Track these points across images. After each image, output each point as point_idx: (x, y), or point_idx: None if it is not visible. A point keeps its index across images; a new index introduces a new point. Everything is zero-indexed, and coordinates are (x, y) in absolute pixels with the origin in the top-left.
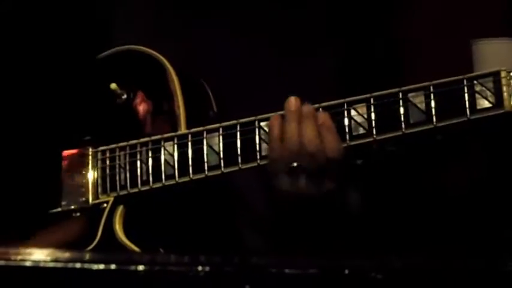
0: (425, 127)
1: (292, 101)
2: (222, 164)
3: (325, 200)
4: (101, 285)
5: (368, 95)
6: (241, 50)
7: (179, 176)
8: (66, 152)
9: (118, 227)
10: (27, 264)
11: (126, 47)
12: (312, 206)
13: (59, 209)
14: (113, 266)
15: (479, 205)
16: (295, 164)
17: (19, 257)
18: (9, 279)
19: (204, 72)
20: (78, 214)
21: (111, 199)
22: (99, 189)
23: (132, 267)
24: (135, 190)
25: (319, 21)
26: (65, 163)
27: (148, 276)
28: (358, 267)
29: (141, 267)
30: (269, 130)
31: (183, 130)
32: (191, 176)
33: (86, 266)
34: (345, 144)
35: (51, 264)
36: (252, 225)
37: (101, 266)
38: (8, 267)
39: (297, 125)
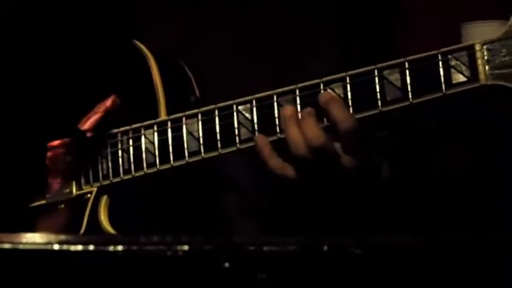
0: (401, 104)
1: (288, 108)
2: (202, 150)
3: (356, 177)
4: (80, 267)
5: (343, 74)
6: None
7: (160, 164)
8: (49, 144)
9: (103, 217)
10: (6, 246)
11: None
12: (342, 187)
13: (44, 201)
14: (91, 247)
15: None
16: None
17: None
18: None
19: (188, 58)
20: (62, 206)
21: (95, 189)
22: (83, 180)
23: (111, 248)
24: (118, 179)
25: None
26: (48, 154)
27: (127, 257)
28: (337, 243)
29: (119, 248)
30: (259, 151)
31: (162, 117)
32: (172, 163)
33: (65, 247)
34: (377, 111)
35: (29, 247)
36: (242, 210)
37: (79, 247)
38: None
39: (297, 128)
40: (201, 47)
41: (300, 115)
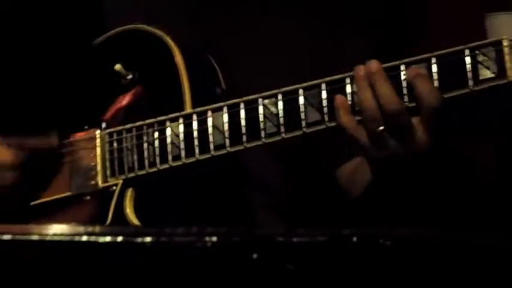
0: None
1: (360, 68)
2: (228, 143)
3: (428, 154)
4: (108, 258)
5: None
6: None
7: (186, 157)
8: (74, 135)
9: (129, 210)
10: (34, 238)
11: (127, 26)
12: (408, 165)
13: (69, 193)
14: (119, 239)
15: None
16: (380, 128)
17: (25, 232)
18: (15, 254)
19: (215, 50)
20: (88, 198)
21: (120, 182)
22: (108, 172)
23: (139, 240)
24: (143, 172)
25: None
26: (73, 146)
27: (155, 248)
28: (367, 235)
29: (147, 239)
30: (336, 110)
31: (188, 109)
32: (198, 156)
33: (93, 239)
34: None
35: (58, 238)
36: (266, 203)
37: (108, 239)
38: (14, 241)
39: (370, 91)
40: (229, 38)
41: (373, 77)
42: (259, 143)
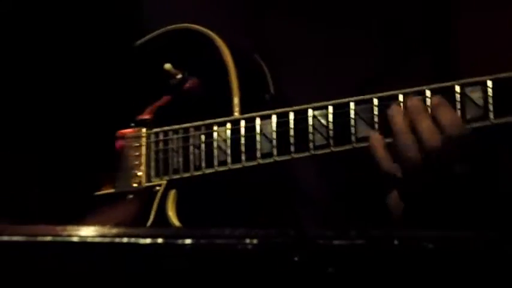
0: (481, 123)
1: (396, 108)
2: (275, 152)
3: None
4: (148, 260)
5: (421, 88)
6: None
7: (232, 162)
8: (120, 132)
9: (171, 211)
10: (75, 239)
11: (176, 26)
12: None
13: (112, 190)
14: (159, 240)
15: None
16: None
17: (66, 233)
18: (57, 255)
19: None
20: (131, 196)
21: (164, 182)
22: (152, 172)
23: (179, 241)
24: (188, 175)
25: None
26: (119, 143)
27: (196, 250)
28: (408, 237)
29: (188, 241)
30: (372, 148)
31: (236, 114)
32: (244, 163)
33: (133, 240)
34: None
35: (98, 240)
36: (312, 215)
37: (148, 241)
38: (55, 242)
39: (408, 128)
40: (282, 45)
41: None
42: (307, 154)
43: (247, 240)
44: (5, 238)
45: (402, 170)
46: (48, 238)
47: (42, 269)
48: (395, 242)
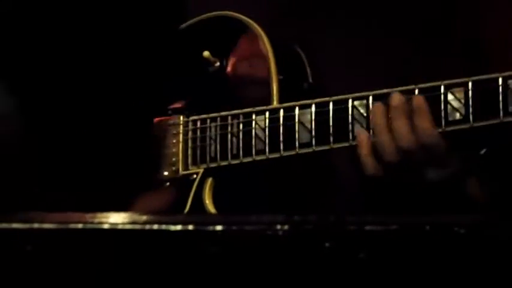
0: (461, 126)
1: (378, 106)
2: (314, 142)
3: (436, 190)
4: (179, 247)
5: (466, 79)
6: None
7: (270, 152)
8: (157, 119)
9: (208, 201)
10: (105, 227)
11: (215, 13)
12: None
13: (151, 178)
14: (190, 227)
15: None
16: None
17: (97, 220)
18: (87, 242)
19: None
20: (168, 184)
21: (201, 170)
22: (189, 160)
23: (210, 228)
24: (225, 163)
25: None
26: (156, 130)
27: (226, 237)
28: (440, 223)
29: (219, 228)
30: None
31: (275, 103)
32: (282, 152)
33: (164, 227)
34: (440, 130)
35: (129, 227)
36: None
37: (179, 227)
38: (86, 230)
39: (386, 129)
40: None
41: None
42: (346, 144)
43: (278, 227)
44: (36, 226)
45: (381, 169)
46: (79, 225)
47: (73, 257)
48: (427, 228)
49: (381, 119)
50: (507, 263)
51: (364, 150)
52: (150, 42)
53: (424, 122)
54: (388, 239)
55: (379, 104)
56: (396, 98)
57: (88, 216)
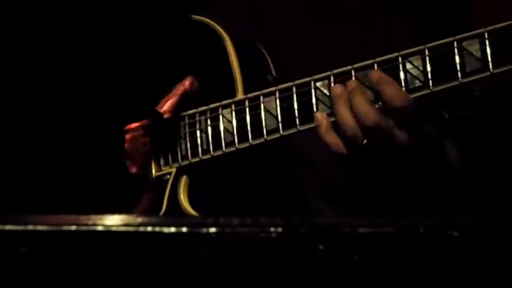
0: (481, 75)
1: (335, 88)
2: (281, 127)
3: (416, 158)
4: (173, 249)
5: (422, 47)
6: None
7: (239, 142)
8: (128, 126)
9: (183, 197)
10: (99, 228)
11: (194, 16)
12: (405, 165)
13: (130, 183)
14: (184, 229)
15: None
16: (364, 142)
17: (90, 222)
18: (81, 244)
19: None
20: (143, 186)
21: (174, 170)
22: (161, 161)
23: (204, 230)
24: (197, 159)
25: None
26: (127, 137)
27: (220, 239)
28: (434, 225)
29: (212, 230)
30: (317, 127)
31: (240, 96)
32: (251, 141)
33: (158, 229)
34: None
35: (123, 229)
36: (320, 191)
37: (172, 230)
38: (79, 232)
39: (346, 108)
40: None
41: (347, 90)
42: (312, 125)
43: (272, 229)
44: (30, 227)
45: (347, 148)
46: (73, 227)
47: (67, 259)
48: (421, 230)
49: (339, 99)
50: (501, 265)
51: (323, 129)
52: (120, 48)
53: (391, 87)
54: (382, 241)
55: (336, 85)
56: (352, 85)
57: (82, 219)
